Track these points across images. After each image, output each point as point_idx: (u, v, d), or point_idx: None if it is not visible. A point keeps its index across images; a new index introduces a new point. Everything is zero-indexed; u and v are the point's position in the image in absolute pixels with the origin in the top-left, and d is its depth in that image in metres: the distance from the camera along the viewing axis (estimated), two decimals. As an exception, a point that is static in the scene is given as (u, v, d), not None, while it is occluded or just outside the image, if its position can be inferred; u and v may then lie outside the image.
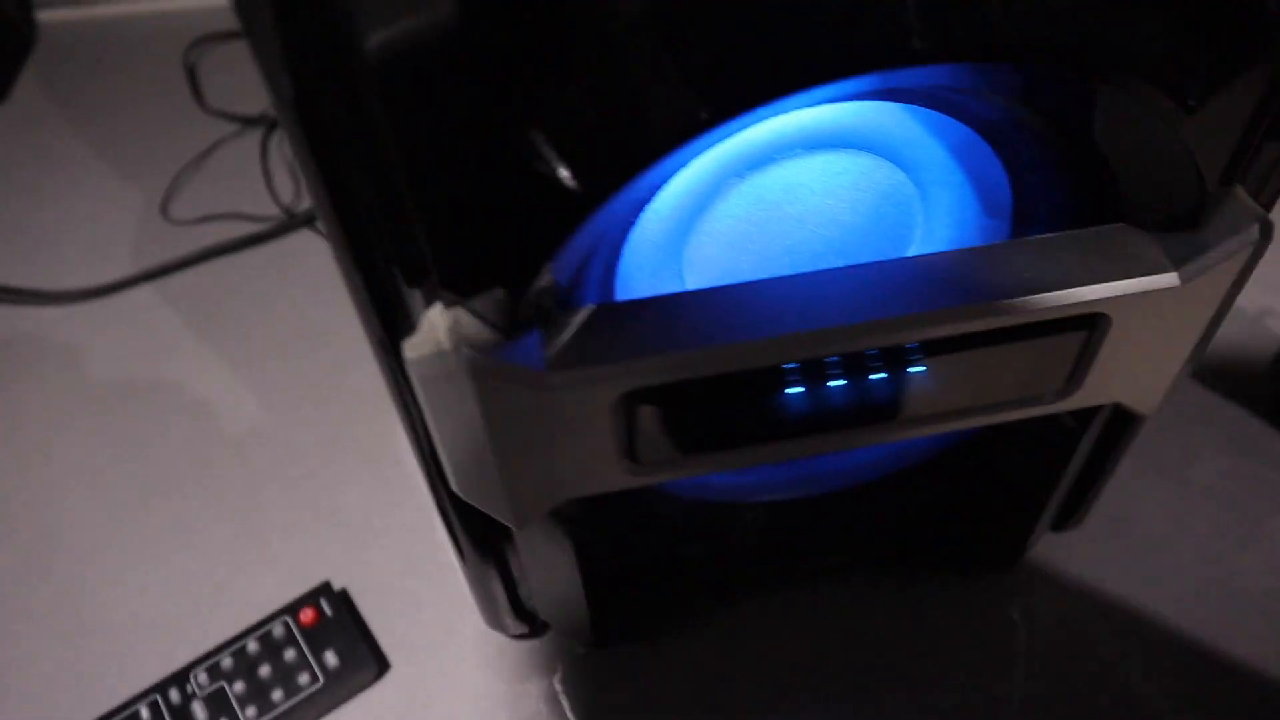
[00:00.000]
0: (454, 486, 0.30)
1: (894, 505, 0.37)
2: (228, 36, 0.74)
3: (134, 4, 0.77)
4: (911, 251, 0.32)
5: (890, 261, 0.27)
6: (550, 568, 0.34)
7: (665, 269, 0.30)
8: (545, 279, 0.25)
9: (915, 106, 0.28)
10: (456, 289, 0.25)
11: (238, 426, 0.51)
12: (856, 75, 0.20)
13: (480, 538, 0.34)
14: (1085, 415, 0.33)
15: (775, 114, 0.22)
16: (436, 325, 0.25)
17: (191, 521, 0.47)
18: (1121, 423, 0.36)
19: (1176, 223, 0.27)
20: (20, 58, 0.73)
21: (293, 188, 0.63)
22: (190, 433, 0.50)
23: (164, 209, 0.62)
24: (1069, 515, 0.42)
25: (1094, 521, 0.45)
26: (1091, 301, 0.27)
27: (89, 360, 0.54)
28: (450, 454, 0.29)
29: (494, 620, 0.39)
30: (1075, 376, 0.29)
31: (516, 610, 0.39)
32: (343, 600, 0.43)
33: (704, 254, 0.30)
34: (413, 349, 0.26)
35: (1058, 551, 0.44)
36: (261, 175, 0.64)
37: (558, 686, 0.41)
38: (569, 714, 0.40)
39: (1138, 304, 0.27)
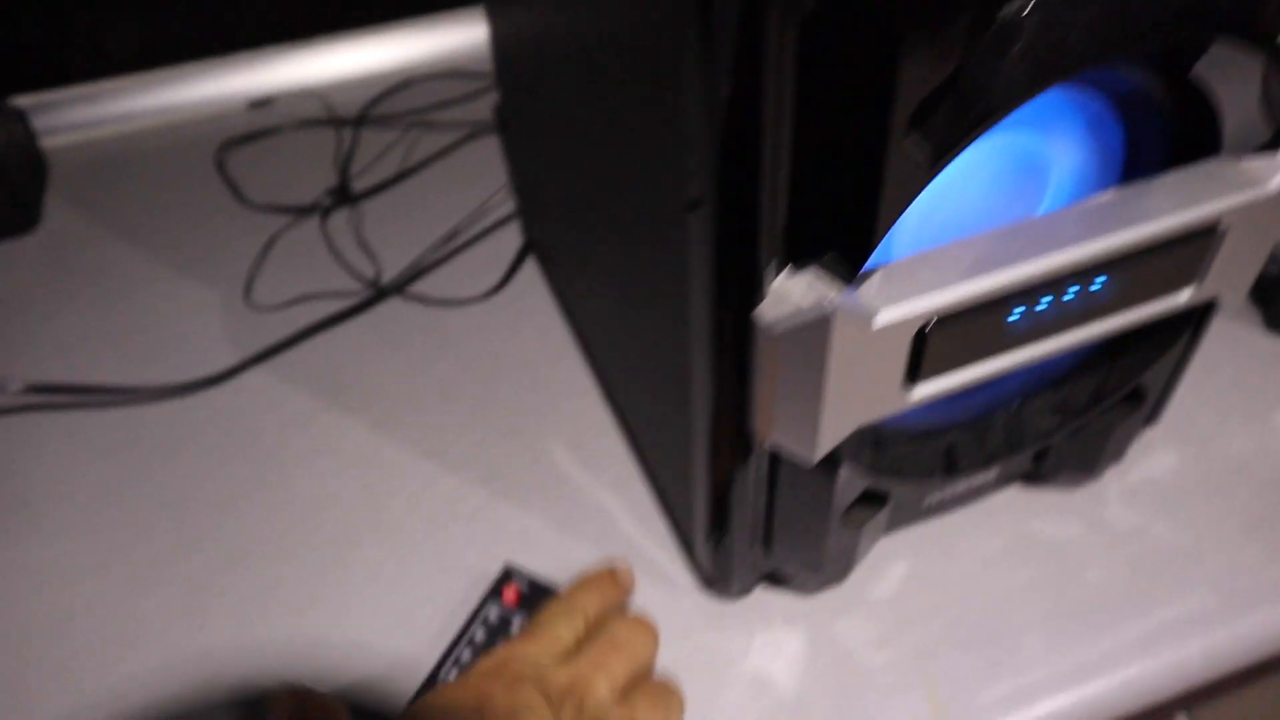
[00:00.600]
0: (761, 434, 0.37)
1: (1048, 419, 0.46)
2: (246, 139, 0.78)
3: (138, 122, 0.80)
4: (1044, 208, 0.41)
5: (1078, 205, 0.37)
6: (811, 502, 0.41)
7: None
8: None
9: (1066, 87, 0.37)
10: (799, 258, 0.33)
11: (399, 477, 0.55)
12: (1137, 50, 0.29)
13: (754, 485, 0.41)
14: (1187, 313, 0.43)
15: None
16: (790, 290, 0.33)
17: (385, 564, 0.51)
18: (1203, 319, 0.46)
19: (1260, 150, 0.38)
20: (40, 184, 0.75)
21: (370, 263, 0.68)
22: (358, 489, 0.54)
23: (247, 300, 0.66)
24: (1156, 411, 0.52)
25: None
26: (1216, 213, 0.37)
27: (239, 440, 0.57)
28: (771, 402, 0.36)
29: (724, 573, 0.46)
30: (1200, 273, 0.39)
31: (746, 563, 0.46)
32: (531, 581, 0.48)
33: (907, 226, 0.39)
34: (769, 311, 0.33)
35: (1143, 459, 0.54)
36: (330, 256, 0.68)
37: (783, 633, 0.47)
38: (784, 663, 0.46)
39: (1245, 212, 0.37)
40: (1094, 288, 0.38)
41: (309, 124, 0.79)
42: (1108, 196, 0.37)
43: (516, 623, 0.47)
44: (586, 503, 0.53)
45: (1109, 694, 0.46)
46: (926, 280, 0.34)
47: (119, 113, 0.80)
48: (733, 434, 0.39)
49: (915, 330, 0.34)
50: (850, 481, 0.42)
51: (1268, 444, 0.55)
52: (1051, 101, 0.38)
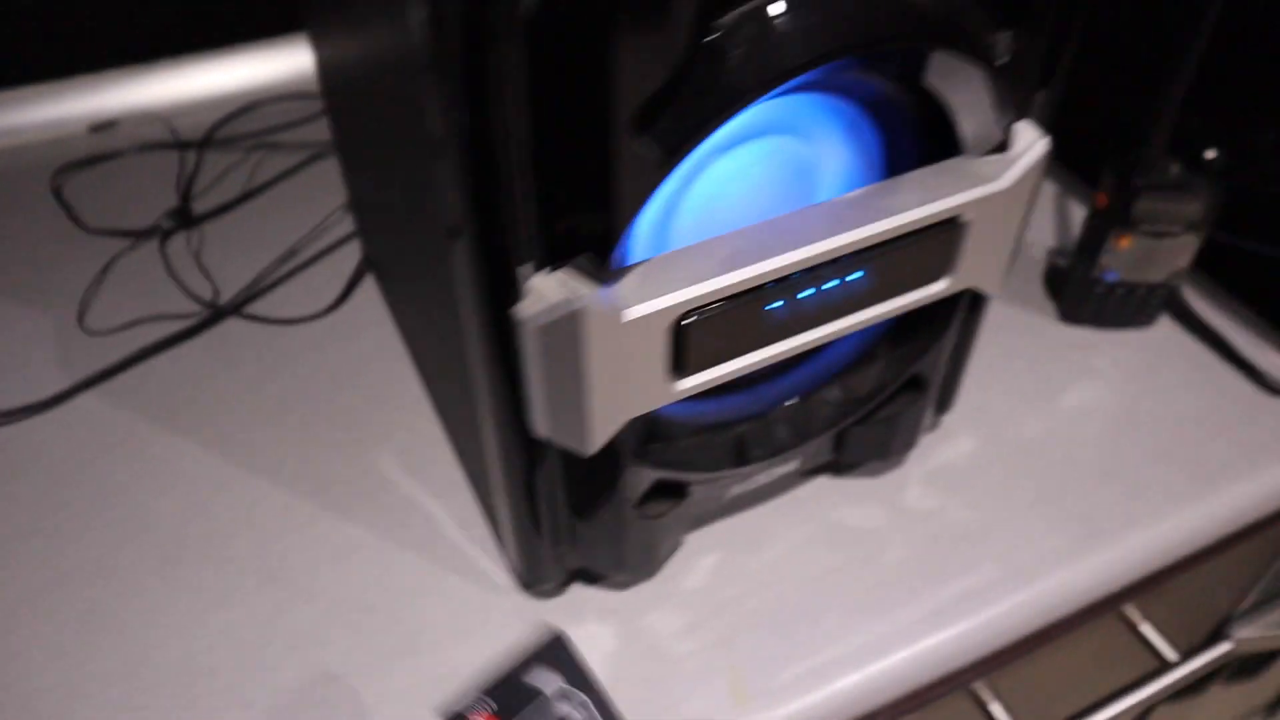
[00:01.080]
0: (538, 428, 0.39)
1: (832, 409, 0.49)
2: (86, 163, 0.77)
3: (-27, 148, 0.79)
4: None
5: (829, 201, 0.39)
6: (602, 496, 0.43)
7: (657, 241, 0.41)
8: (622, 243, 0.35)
9: (821, 94, 0.40)
10: (556, 259, 0.34)
11: (230, 494, 0.55)
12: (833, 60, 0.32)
13: (541, 482, 0.42)
14: (952, 304, 0.47)
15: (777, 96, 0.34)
16: (544, 288, 0.35)
17: (210, 581, 0.51)
18: (974, 310, 0.50)
19: (994, 149, 0.41)
20: None
21: (209, 284, 0.68)
22: (188, 508, 0.55)
23: (80, 324, 0.65)
24: (946, 400, 0.55)
25: (955, 414, 0.59)
26: (956, 207, 0.40)
27: (57, 469, 0.57)
28: (541, 396, 0.37)
29: (532, 572, 0.47)
30: (953, 264, 0.42)
31: (552, 561, 0.47)
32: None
33: (683, 226, 0.41)
34: (526, 309, 0.35)
35: (942, 445, 0.58)
36: (168, 279, 0.68)
37: (595, 627, 0.49)
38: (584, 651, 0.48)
39: (982, 205, 0.40)
40: (852, 279, 0.41)
41: (152, 147, 0.78)
42: (858, 193, 0.40)
43: None
44: (413, 510, 0.54)
45: (904, 665, 0.48)
46: (679, 275, 0.36)
47: (-48, 139, 0.79)
48: (519, 433, 0.40)
49: (670, 323, 0.36)
50: (638, 474, 0.43)
51: (1055, 426, 0.59)
52: (806, 106, 0.40)
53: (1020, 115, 0.41)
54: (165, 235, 0.71)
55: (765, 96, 0.32)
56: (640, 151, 0.32)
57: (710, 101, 0.32)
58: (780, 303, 0.39)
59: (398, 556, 0.52)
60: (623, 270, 0.36)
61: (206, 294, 0.67)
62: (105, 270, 0.69)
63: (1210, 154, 0.56)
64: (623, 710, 0.45)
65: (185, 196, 0.74)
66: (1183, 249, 0.59)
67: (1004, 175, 0.40)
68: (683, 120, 0.32)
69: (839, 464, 0.54)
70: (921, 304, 0.43)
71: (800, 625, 0.49)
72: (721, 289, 0.36)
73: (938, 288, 0.43)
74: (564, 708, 0.32)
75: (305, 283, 0.68)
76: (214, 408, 0.60)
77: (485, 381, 0.39)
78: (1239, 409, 0.60)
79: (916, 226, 0.39)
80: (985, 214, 0.41)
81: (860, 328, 0.42)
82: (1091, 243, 0.60)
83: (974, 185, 0.40)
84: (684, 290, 0.36)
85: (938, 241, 0.41)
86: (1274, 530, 0.60)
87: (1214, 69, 0.65)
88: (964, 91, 0.39)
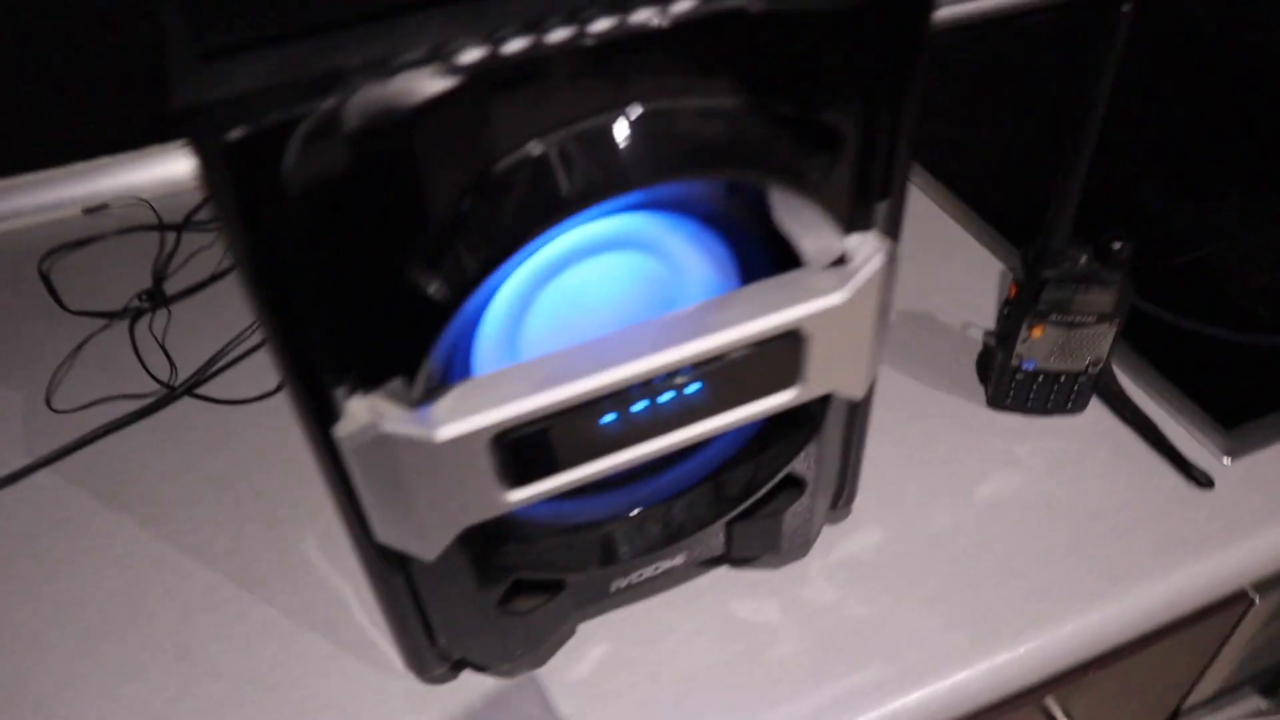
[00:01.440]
0: (377, 535, 0.41)
1: (715, 505, 0.49)
2: (76, 245, 0.82)
3: (-23, 230, 0.84)
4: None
5: (660, 318, 0.41)
6: (457, 595, 0.45)
7: (507, 353, 0.43)
8: (425, 370, 0.37)
9: (662, 213, 0.41)
10: (368, 383, 0.36)
11: (159, 571, 0.58)
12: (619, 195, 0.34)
13: (401, 582, 0.44)
14: (819, 408, 0.47)
15: (567, 229, 0.35)
16: (357, 411, 0.36)
17: (135, 657, 0.54)
18: (855, 411, 0.50)
19: (835, 262, 0.42)
20: (-127, 293, 0.78)
21: (167, 366, 0.71)
22: (118, 585, 0.57)
23: (48, 403, 0.69)
24: (841, 495, 0.56)
25: (867, 505, 0.59)
26: (791, 320, 0.41)
27: (7, 543, 0.60)
28: (373, 507, 0.39)
29: (415, 661, 0.49)
30: (800, 374, 0.43)
31: (434, 651, 0.49)
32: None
33: (532, 339, 0.43)
34: (343, 430, 0.37)
35: (849, 536, 0.58)
36: (135, 359, 0.72)
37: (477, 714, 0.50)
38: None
39: (821, 318, 0.41)
40: (689, 392, 0.42)
41: (135, 229, 0.83)
42: (691, 309, 0.41)
43: None
44: (326, 592, 0.56)
45: (778, 766, 0.49)
46: (494, 395, 0.38)
47: (-41, 223, 0.85)
48: (369, 536, 0.42)
49: (489, 440, 0.38)
50: (493, 575, 0.45)
51: (966, 518, 0.58)
52: (648, 223, 0.42)
53: (861, 227, 0.42)
54: (136, 316, 0.75)
55: (549, 234, 0.34)
56: (433, 291, 0.33)
57: (494, 242, 0.33)
58: (612, 416, 0.40)
59: (305, 637, 0.54)
60: (441, 390, 0.37)
61: (165, 374, 0.71)
62: (78, 349, 0.73)
63: (1118, 245, 0.55)
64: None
65: (159, 278, 0.78)
66: (1098, 338, 0.58)
67: (841, 288, 0.41)
68: (468, 261, 0.33)
69: (731, 556, 0.54)
70: (772, 412, 0.44)
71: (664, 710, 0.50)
72: (538, 408, 0.38)
73: (787, 396, 0.44)
74: None
75: (258, 363, 0.71)
76: (156, 486, 0.63)
77: (331, 490, 0.41)
78: (1161, 502, 0.59)
79: (749, 341, 0.40)
80: (825, 325, 0.42)
81: (707, 437, 0.43)
82: (1006, 332, 0.60)
83: (809, 298, 0.41)
84: (498, 410, 0.37)
85: (776, 353, 0.42)
86: (1196, 630, 0.59)
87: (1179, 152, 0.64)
88: (791, 210, 0.40)
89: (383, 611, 0.46)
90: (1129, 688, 0.65)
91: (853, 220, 0.41)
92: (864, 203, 0.41)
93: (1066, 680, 0.57)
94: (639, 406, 0.41)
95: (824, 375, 0.44)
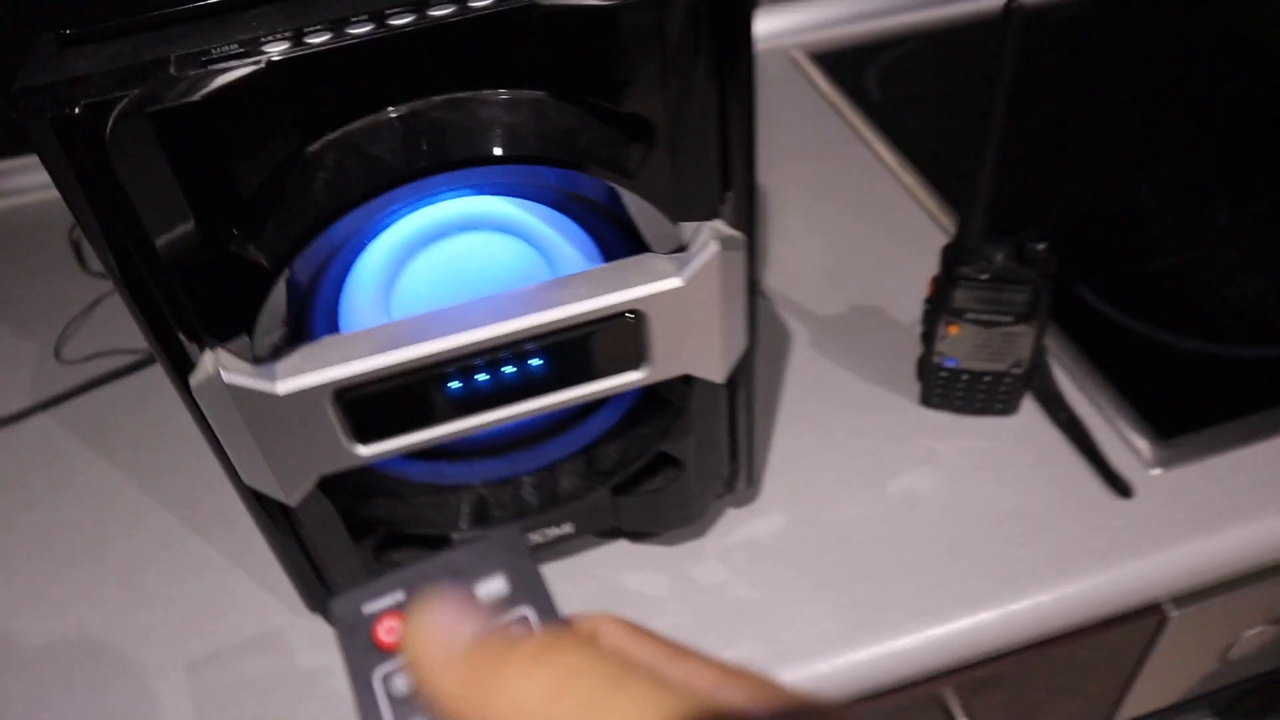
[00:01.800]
0: (243, 478, 0.44)
1: (588, 478, 0.52)
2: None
3: (19, 197, 0.93)
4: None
5: (505, 293, 0.43)
6: (332, 542, 0.48)
7: (379, 317, 0.46)
8: (278, 330, 0.40)
9: (517, 199, 0.44)
10: (215, 339, 0.40)
11: (126, 510, 0.64)
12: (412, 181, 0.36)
13: (278, 525, 0.48)
14: (684, 388, 0.49)
15: (387, 209, 0.38)
16: (206, 363, 0.40)
17: (87, 585, 0.59)
18: (736, 393, 0.52)
19: (677, 249, 0.43)
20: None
21: (163, 323, 0.77)
22: (87, 519, 0.63)
23: (56, 353, 0.76)
24: (737, 478, 0.57)
25: (775, 491, 0.61)
26: (627, 301, 0.43)
27: (6, 472, 0.67)
28: (232, 451, 0.43)
29: (309, 599, 0.53)
30: (644, 355, 0.45)
31: (328, 594, 0.52)
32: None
33: (403, 310, 0.46)
34: (194, 380, 0.41)
35: (751, 520, 0.59)
36: (138, 317, 0.78)
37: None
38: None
39: (659, 299, 0.43)
40: (532, 365, 0.44)
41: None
42: (535, 286, 0.43)
43: None
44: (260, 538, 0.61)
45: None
46: (334, 355, 0.41)
47: (5, 188, 0.93)
48: (238, 479, 0.46)
49: (330, 397, 0.41)
50: (365, 526, 0.48)
51: (874, 510, 0.59)
52: (504, 206, 0.44)
53: (703, 216, 0.43)
54: (145, 278, 0.81)
55: (362, 212, 0.37)
56: (253, 256, 0.37)
57: (307, 215, 0.37)
58: (457, 383, 0.43)
59: (234, 575, 0.59)
60: (286, 348, 0.41)
61: (161, 332, 0.77)
62: (92, 307, 0.80)
63: (1036, 245, 0.55)
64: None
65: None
66: (1019, 339, 0.58)
67: (678, 274, 0.43)
68: (285, 231, 0.37)
69: (623, 530, 0.56)
70: (622, 390, 0.46)
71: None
72: (374, 369, 0.41)
73: (636, 376, 0.45)
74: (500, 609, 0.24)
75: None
76: (136, 434, 0.69)
77: (204, 436, 0.45)
78: (1077, 509, 0.58)
79: (585, 318, 0.42)
80: (665, 308, 0.43)
81: (554, 409, 0.45)
82: (928, 329, 0.60)
83: (645, 281, 0.43)
84: (335, 369, 0.41)
85: (617, 333, 0.44)
86: (1107, 641, 0.58)
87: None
88: (631, 200, 0.42)
89: (271, 551, 0.50)
90: (1048, 690, 0.64)
91: (692, 210, 0.42)
92: (700, 193, 0.42)
93: (957, 676, 0.57)
94: (484, 376, 0.43)
95: (674, 358, 0.46)
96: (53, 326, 0.79)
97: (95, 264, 0.84)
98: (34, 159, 0.93)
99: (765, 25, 1.04)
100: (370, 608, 0.24)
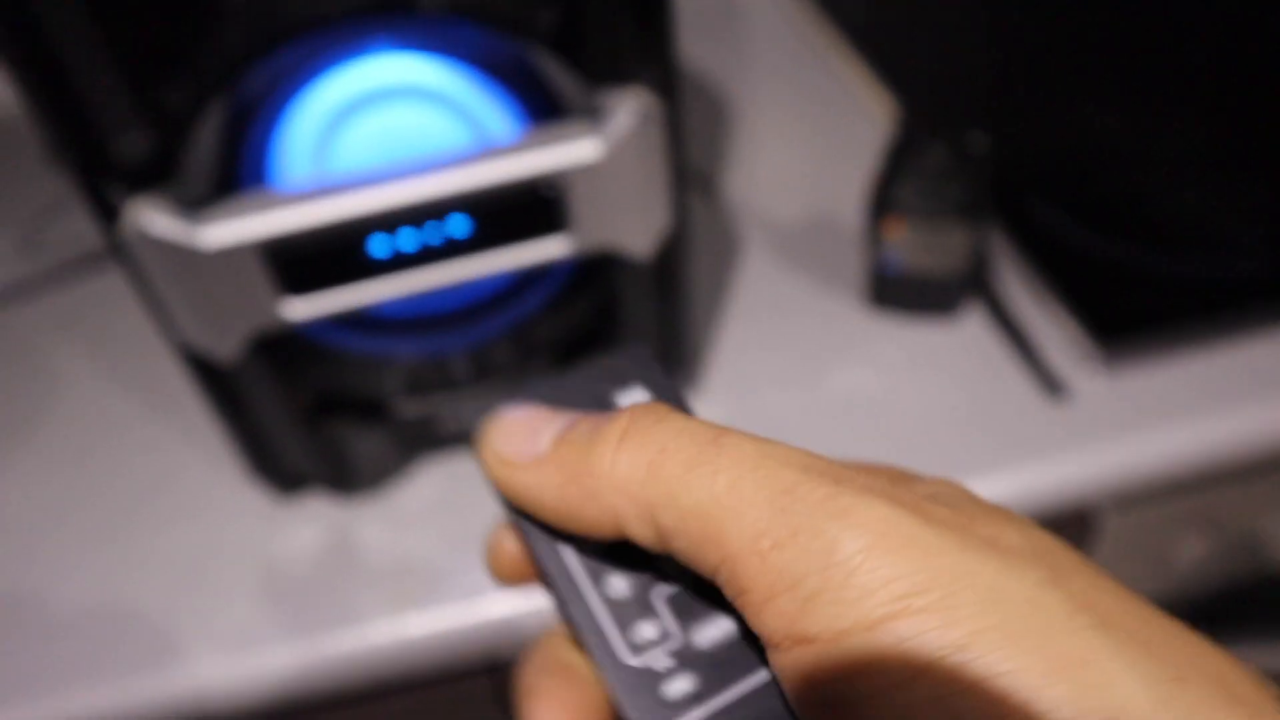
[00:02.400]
0: (175, 334, 0.46)
1: (519, 354, 0.53)
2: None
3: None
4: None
5: (429, 155, 0.44)
6: (268, 407, 0.50)
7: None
8: (202, 186, 0.41)
9: (443, 61, 0.45)
10: (139, 187, 0.41)
11: (90, 404, 0.66)
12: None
13: (216, 387, 0.49)
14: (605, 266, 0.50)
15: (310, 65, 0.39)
16: (131, 211, 0.41)
17: (41, 464, 0.61)
18: (662, 274, 0.53)
19: (599, 116, 0.44)
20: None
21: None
22: (43, 412, 0.65)
23: (25, 245, 0.78)
24: (674, 364, 0.58)
25: (717, 383, 0.62)
26: (545, 165, 0.43)
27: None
28: (164, 307, 0.44)
29: (254, 468, 0.54)
30: (564, 222, 0.46)
31: (272, 465, 0.54)
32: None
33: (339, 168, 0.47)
34: (120, 229, 0.42)
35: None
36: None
37: (310, 529, 0.56)
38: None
39: (579, 164, 0.44)
40: (457, 226, 0.45)
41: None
42: (459, 149, 0.44)
43: None
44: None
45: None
46: (258, 208, 0.42)
47: None
48: (174, 335, 0.47)
49: (256, 250, 0.42)
50: (301, 391, 0.50)
51: (807, 404, 0.60)
52: (438, 72, 0.45)
53: (625, 84, 0.44)
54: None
55: (273, 59, 0.38)
56: (168, 97, 0.38)
57: (212, 68, 0.38)
58: (380, 243, 0.44)
59: (182, 453, 0.61)
60: (211, 199, 0.42)
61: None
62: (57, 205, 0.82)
63: (975, 140, 0.55)
64: (306, 599, 0.52)
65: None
66: (959, 236, 0.59)
67: (595, 139, 0.43)
68: (203, 69, 0.38)
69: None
70: (547, 259, 0.47)
71: (468, 550, 0.54)
72: (297, 222, 0.42)
73: (559, 245, 0.46)
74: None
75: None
76: (104, 326, 0.71)
77: (132, 287, 0.46)
78: (1013, 408, 0.59)
79: (505, 179, 0.43)
80: (585, 174, 0.44)
81: (481, 275, 0.46)
82: (870, 226, 0.61)
83: (562, 145, 0.43)
84: (258, 220, 0.42)
85: (535, 197, 0.45)
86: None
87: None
88: (547, 63, 0.42)
89: (210, 414, 0.52)
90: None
91: (608, 75, 0.43)
92: (616, 59, 0.43)
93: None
94: (408, 236, 0.44)
95: (595, 229, 0.46)
96: (18, 219, 0.80)
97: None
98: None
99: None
100: None
